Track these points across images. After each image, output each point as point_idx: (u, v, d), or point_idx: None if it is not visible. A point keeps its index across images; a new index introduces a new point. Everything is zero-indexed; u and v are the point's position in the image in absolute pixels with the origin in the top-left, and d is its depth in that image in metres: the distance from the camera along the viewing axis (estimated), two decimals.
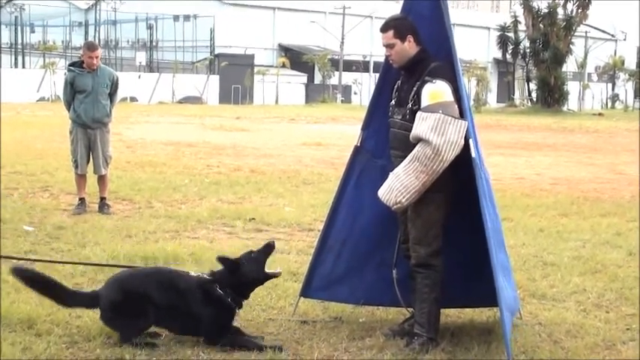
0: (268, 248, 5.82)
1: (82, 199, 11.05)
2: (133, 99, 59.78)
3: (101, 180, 11.13)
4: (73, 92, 10.94)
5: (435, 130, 5.32)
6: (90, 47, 11.17)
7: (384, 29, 5.68)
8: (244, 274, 5.71)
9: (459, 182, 5.58)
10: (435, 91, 5.44)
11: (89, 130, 10.94)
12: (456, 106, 5.43)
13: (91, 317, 6.08)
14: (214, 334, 5.62)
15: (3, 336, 5.63)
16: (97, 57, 10.90)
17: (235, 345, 5.57)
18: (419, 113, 5.44)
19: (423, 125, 5.38)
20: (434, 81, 5.46)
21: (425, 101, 5.45)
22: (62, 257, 8.11)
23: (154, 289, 5.64)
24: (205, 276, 5.79)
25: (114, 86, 11.10)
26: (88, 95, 10.84)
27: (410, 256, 5.77)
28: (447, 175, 5.45)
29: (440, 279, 5.66)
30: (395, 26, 5.65)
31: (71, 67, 11.21)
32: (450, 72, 5.52)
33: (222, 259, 5.79)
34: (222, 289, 5.67)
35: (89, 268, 7.52)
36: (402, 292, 6.05)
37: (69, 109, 11.05)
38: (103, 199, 11.10)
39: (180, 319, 5.68)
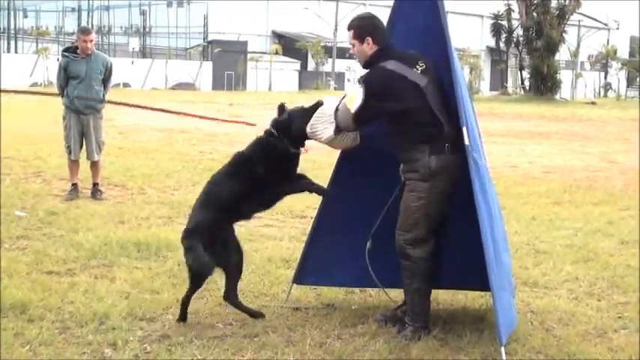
0: (317, 105, 5.90)
1: (74, 185, 11.04)
2: (125, 85, 59.62)
3: (94, 166, 11.10)
4: (66, 78, 10.92)
5: (322, 115, 5.80)
6: (84, 31, 11.22)
7: (348, 29, 5.80)
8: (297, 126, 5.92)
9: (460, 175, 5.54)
10: (351, 94, 5.61)
11: (82, 116, 10.92)
12: (350, 120, 5.60)
13: (83, 303, 6.10)
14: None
15: None
16: (90, 41, 10.91)
17: None
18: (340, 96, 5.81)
19: (328, 102, 5.88)
20: (360, 86, 5.55)
21: (345, 99, 5.65)
22: (54, 243, 8.10)
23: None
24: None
25: (107, 72, 11.07)
26: (81, 81, 10.82)
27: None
28: (434, 165, 5.51)
29: (421, 270, 5.62)
30: (354, 27, 5.75)
31: (65, 53, 11.15)
32: (383, 80, 5.57)
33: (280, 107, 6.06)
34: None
35: (82, 254, 7.52)
36: (392, 273, 6.10)
37: (62, 95, 11.03)
38: (95, 184, 11.08)
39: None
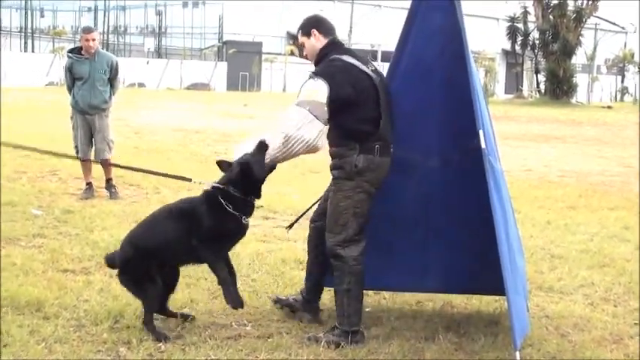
0: (262, 145, 5.50)
1: (89, 184, 11.08)
2: (141, 85, 59.85)
3: (104, 164, 10.90)
4: (72, 78, 10.95)
5: (294, 125, 5.42)
6: (85, 30, 11.19)
7: (296, 33, 5.95)
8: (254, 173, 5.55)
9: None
10: (310, 89, 5.51)
11: (87, 116, 10.92)
12: (326, 109, 5.43)
13: (98, 301, 6.11)
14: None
15: (11, 318, 5.66)
16: (93, 40, 10.78)
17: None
18: (291, 104, 5.56)
19: (286, 117, 5.53)
20: (315, 79, 5.54)
21: (301, 95, 5.54)
22: (70, 242, 8.13)
23: None
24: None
25: (113, 71, 10.99)
26: (85, 82, 10.81)
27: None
28: (360, 165, 5.53)
29: (352, 270, 5.59)
30: (301, 27, 5.91)
31: (69, 54, 11.14)
32: (343, 68, 5.57)
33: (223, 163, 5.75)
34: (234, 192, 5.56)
35: (97, 252, 7.54)
36: (407, 275, 6.12)
37: (70, 95, 11.08)
38: (109, 180, 11.11)
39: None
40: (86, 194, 10.89)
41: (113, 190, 11.04)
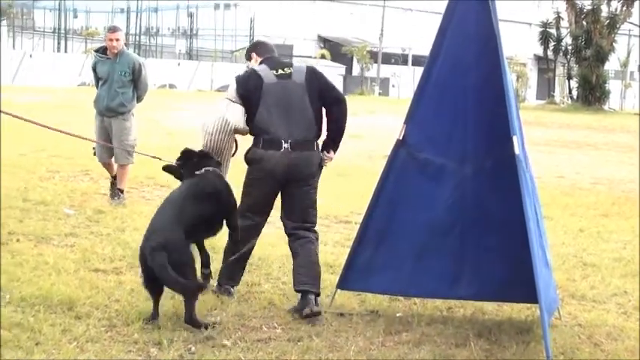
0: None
1: (114, 177, 10.67)
2: (172, 86, 60.08)
3: (121, 170, 10.58)
4: (97, 77, 10.73)
5: (220, 110, 6.50)
6: (110, 29, 10.86)
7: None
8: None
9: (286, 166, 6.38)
10: (229, 87, 6.55)
11: (105, 119, 10.54)
12: (232, 104, 6.42)
13: (129, 301, 6.14)
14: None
15: (43, 317, 5.70)
16: (117, 39, 10.42)
17: None
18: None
19: (212, 113, 6.63)
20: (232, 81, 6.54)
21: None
22: (102, 241, 8.17)
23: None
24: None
25: (136, 73, 10.49)
26: (104, 83, 10.49)
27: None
28: (248, 156, 6.51)
29: (237, 240, 6.43)
30: (245, 53, 6.95)
31: (95, 52, 10.98)
32: (246, 75, 6.53)
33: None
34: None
35: (128, 252, 7.56)
36: (438, 282, 6.10)
37: None
38: (118, 189, 10.56)
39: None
40: (117, 200, 10.41)
41: (117, 196, 10.48)
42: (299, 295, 6.27)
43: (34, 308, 5.86)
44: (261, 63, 6.62)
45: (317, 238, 6.56)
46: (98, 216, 9.42)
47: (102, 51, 10.72)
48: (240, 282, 6.66)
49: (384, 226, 6.14)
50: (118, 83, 10.44)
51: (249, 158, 6.50)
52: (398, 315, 6.31)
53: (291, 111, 6.40)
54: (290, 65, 6.62)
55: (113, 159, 10.63)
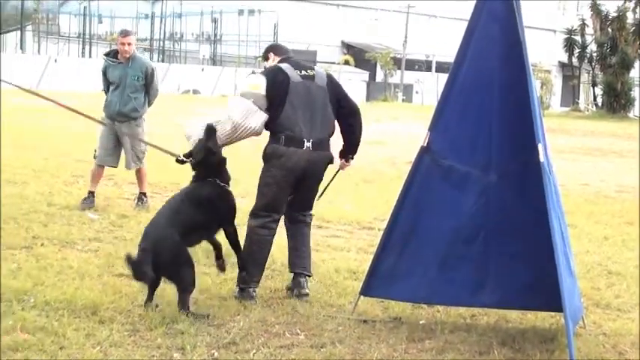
0: (210, 129, 6.44)
1: (91, 193, 10.38)
2: (195, 91, 60.29)
3: (138, 174, 10.61)
4: (107, 82, 10.51)
5: (241, 114, 6.41)
6: (122, 33, 10.65)
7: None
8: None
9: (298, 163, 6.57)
10: (252, 83, 6.60)
11: (116, 123, 10.33)
12: (265, 100, 6.47)
13: (153, 307, 6.14)
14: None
15: (67, 321, 5.73)
16: (129, 43, 10.28)
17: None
18: (237, 94, 6.70)
19: (234, 106, 6.53)
20: (256, 73, 6.68)
21: (244, 87, 6.64)
22: (125, 246, 8.19)
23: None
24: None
25: (149, 78, 10.39)
26: (116, 88, 10.31)
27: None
28: (267, 151, 6.63)
29: (248, 237, 6.63)
30: (262, 55, 7.10)
31: (105, 56, 10.75)
32: (273, 72, 6.63)
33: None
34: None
35: None
36: (461, 290, 6.07)
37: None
38: (142, 193, 10.61)
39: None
40: (85, 204, 10.13)
41: (141, 202, 10.48)
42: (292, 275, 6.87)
43: (58, 312, 5.89)
44: (280, 62, 6.76)
45: (311, 220, 7.05)
46: (122, 221, 9.46)
47: (112, 55, 10.58)
48: (259, 283, 6.72)
49: (407, 232, 6.12)
50: (131, 88, 10.32)
51: (268, 154, 6.61)
52: (421, 322, 6.29)
53: (314, 111, 6.63)
54: (312, 68, 6.83)
55: (125, 165, 10.56)
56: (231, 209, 6.54)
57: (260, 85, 6.52)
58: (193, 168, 6.54)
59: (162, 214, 6.32)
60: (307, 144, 6.56)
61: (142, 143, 10.32)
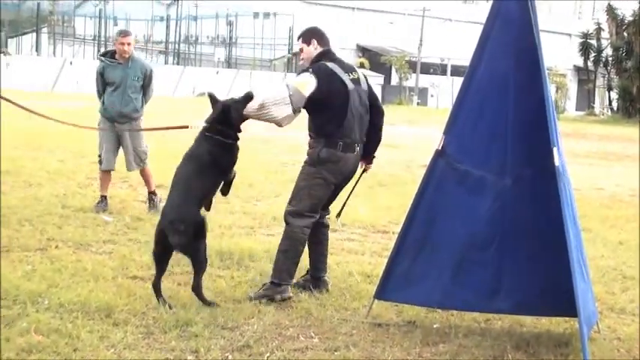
0: (248, 96, 6.53)
1: (103, 197, 10.40)
2: (210, 94, 60.37)
3: (143, 174, 10.57)
4: (104, 83, 10.36)
5: (273, 99, 6.45)
6: (122, 33, 10.48)
7: (298, 38, 7.02)
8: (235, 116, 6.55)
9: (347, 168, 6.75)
10: (301, 80, 6.60)
11: (117, 125, 10.28)
12: (304, 101, 6.50)
13: (167, 309, 6.15)
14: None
15: (81, 323, 5.74)
16: (128, 44, 10.14)
17: None
18: (282, 84, 6.68)
19: (273, 89, 6.63)
20: (310, 70, 6.63)
21: (294, 81, 6.64)
22: (140, 249, 8.22)
23: None
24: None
25: (147, 79, 10.33)
26: (116, 88, 10.18)
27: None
28: (323, 155, 6.63)
29: (294, 236, 6.70)
30: (303, 34, 6.99)
31: (101, 57, 10.61)
32: (327, 75, 6.63)
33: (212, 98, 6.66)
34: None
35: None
36: (476, 295, 6.06)
37: (100, 101, 10.48)
38: (151, 193, 10.51)
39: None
40: (98, 208, 10.14)
41: (152, 203, 10.37)
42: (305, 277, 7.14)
43: (73, 314, 5.91)
44: (322, 55, 6.84)
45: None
46: (136, 223, 9.48)
47: (109, 55, 10.41)
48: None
49: (422, 236, 6.11)
50: (132, 89, 10.24)
51: (323, 158, 6.67)
52: (435, 326, 6.28)
53: (362, 116, 6.82)
54: (354, 69, 6.98)
55: (126, 166, 10.56)
56: (231, 163, 6.66)
57: (308, 86, 6.54)
58: (206, 121, 6.61)
59: (176, 192, 6.46)
60: (357, 148, 6.81)
61: (142, 142, 10.40)
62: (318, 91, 6.53)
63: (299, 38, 7.00)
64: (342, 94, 6.63)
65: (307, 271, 7.19)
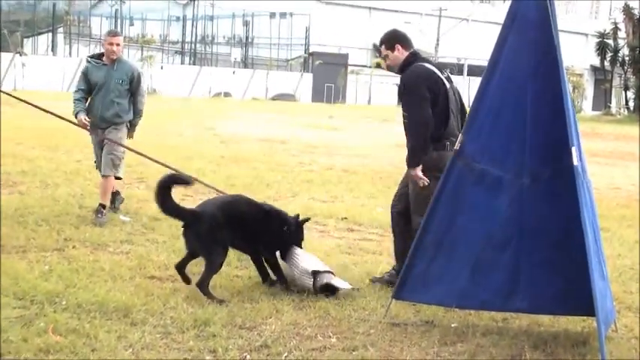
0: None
1: (102, 206, 9.61)
2: (227, 94, 60.56)
3: (104, 181, 9.82)
4: (88, 85, 9.79)
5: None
6: (111, 33, 9.99)
7: (379, 45, 7.09)
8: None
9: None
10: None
11: (100, 131, 9.79)
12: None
13: (184, 309, 6.17)
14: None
15: (99, 323, 5.76)
16: (117, 44, 9.66)
17: None
18: None
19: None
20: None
21: None
22: (157, 249, 8.24)
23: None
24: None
25: (134, 84, 9.80)
26: (98, 91, 9.69)
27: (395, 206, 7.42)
28: (435, 158, 6.71)
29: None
30: (384, 41, 7.03)
31: (88, 58, 10.10)
32: (427, 75, 6.75)
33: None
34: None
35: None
36: (494, 295, 6.04)
37: (73, 103, 9.81)
38: (100, 205, 9.62)
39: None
40: (97, 220, 9.37)
41: (99, 215, 9.43)
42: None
43: (90, 314, 5.93)
44: (412, 58, 6.92)
45: None
46: (153, 223, 9.48)
47: (96, 57, 9.96)
48: None
49: (440, 237, 6.09)
50: (115, 92, 9.72)
51: (436, 159, 6.74)
52: (453, 325, 6.26)
53: (457, 114, 6.92)
54: (443, 69, 7.04)
55: (101, 170, 9.87)
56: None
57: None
58: None
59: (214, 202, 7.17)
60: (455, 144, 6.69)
61: (119, 149, 9.76)
62: (431, 93, 6.67)
63: (381, 45, 7.06)
64: (443, 93, 6.75)
65: (393, 267, 7.37)
